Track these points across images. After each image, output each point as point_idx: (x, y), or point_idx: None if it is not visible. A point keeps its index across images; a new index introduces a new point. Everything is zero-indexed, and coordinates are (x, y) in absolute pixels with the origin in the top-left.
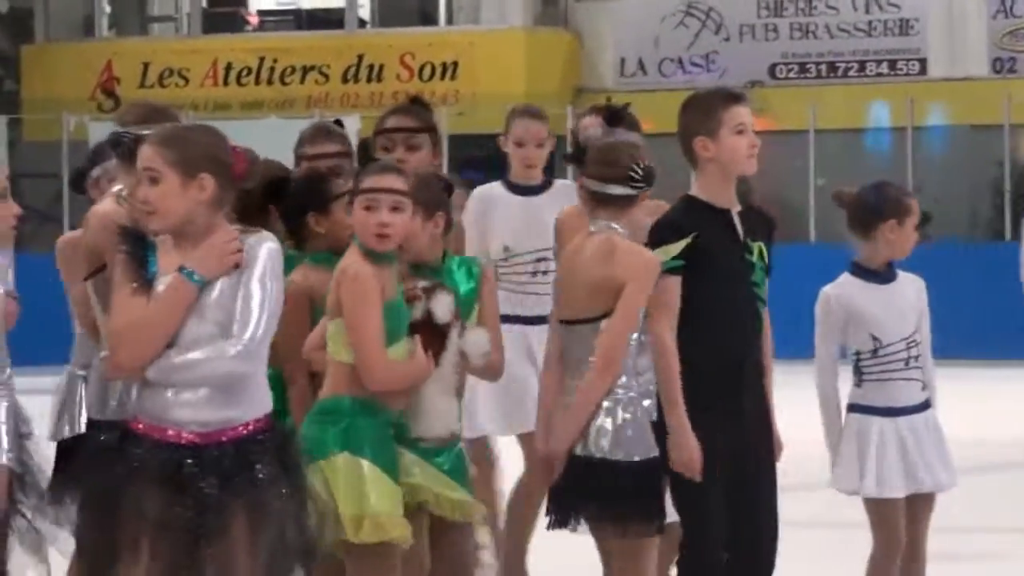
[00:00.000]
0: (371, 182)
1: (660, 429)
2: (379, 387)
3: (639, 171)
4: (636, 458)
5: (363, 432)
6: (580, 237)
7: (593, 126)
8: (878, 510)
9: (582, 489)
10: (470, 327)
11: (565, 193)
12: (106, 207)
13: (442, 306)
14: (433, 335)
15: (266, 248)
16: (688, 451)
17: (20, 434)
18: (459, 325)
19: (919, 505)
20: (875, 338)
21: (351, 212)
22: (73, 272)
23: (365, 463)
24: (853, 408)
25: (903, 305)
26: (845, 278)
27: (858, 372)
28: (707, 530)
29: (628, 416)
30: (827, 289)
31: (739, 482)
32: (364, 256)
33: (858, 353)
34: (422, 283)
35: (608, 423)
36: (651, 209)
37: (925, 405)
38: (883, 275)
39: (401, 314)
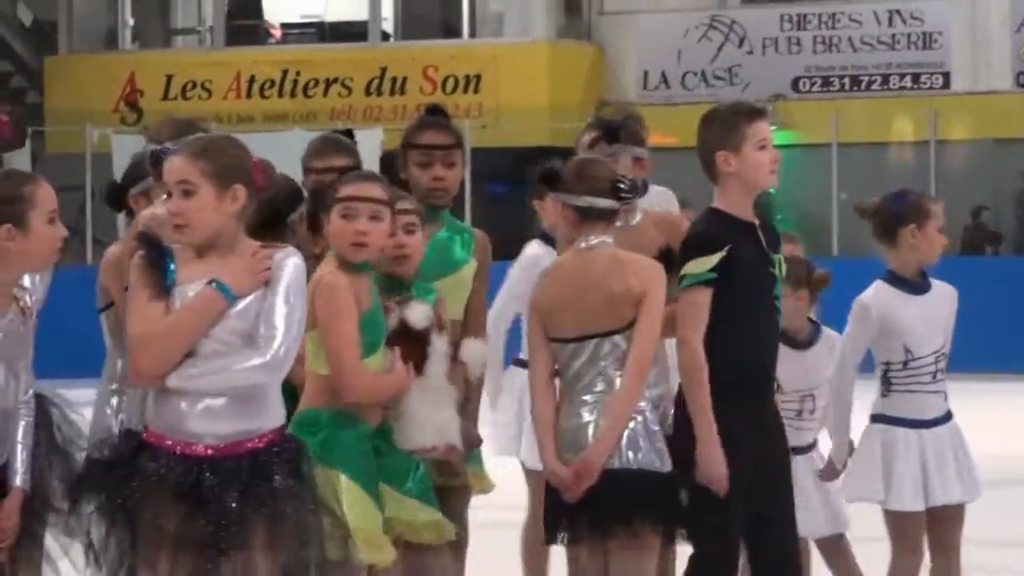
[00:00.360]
0: (350, 190)
1: (683, 440)
2: (354, 398)
3: (626, 182)
4: (666, 468)
5: (342, 445)
6: (569, 255)
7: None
8: (899, 522)
9: (620, 500)
10: (466, 339)
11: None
12: (156, 213)
13: (416, 313)
14: (412, 344)
15: (292, 263)
16: (718, 465)
17: (78, 446)
18: (444, 334)
19: (945, 517)
20: (907, 350)
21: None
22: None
23: (343, 478)
24: (878, 419)
25: (936, 318)
26: (880, 287)
27: (886, 383)
28: (723, 543)
29: (655, 427)
30: (864, 298)
31: (761, 494)
32: (339, 266)
33: (888, 363)
34: (395, 297)
35: (640, 434)
36: (659, 219)
37: (948, 416)
38: (918, 285)
39: (378, 325)
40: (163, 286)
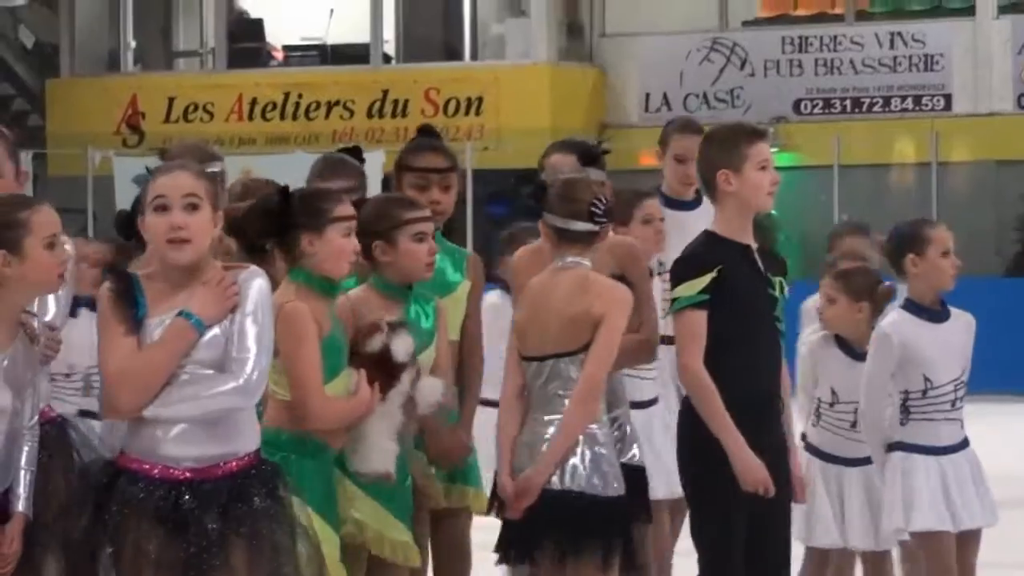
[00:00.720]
0: (350, 210)
1: (691, 461)
2: (319, 427)
3: (600, 206)
4: (611, 493)
5: (301, 471)
6: (546, 273)
7: (563, 164)
8: (928, 544)
9: (556, 522)
10: (425, 375)
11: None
12: None
13: (402, 345)
14: (384, 371)
15: (257, 284)
16: (756, 471)
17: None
18: (415, 370)
19: (964, 541)
20: (927, 379)
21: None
22: None
23: (296, 501)
24: (897, 447)
25: (955, 346)
26: (900, 315)
27: (905, 411)
28: (727, 564)
29: (604, 451)
30: (885, 326)
31: (756, 516)
32: (298, 293)
33: (906, 392)
34: (388, 318)
35: (587, 457)
36: (613, 245)
37: (965, 443)
38: (936, 313)
39: (339, 349)
40: (134, 319)
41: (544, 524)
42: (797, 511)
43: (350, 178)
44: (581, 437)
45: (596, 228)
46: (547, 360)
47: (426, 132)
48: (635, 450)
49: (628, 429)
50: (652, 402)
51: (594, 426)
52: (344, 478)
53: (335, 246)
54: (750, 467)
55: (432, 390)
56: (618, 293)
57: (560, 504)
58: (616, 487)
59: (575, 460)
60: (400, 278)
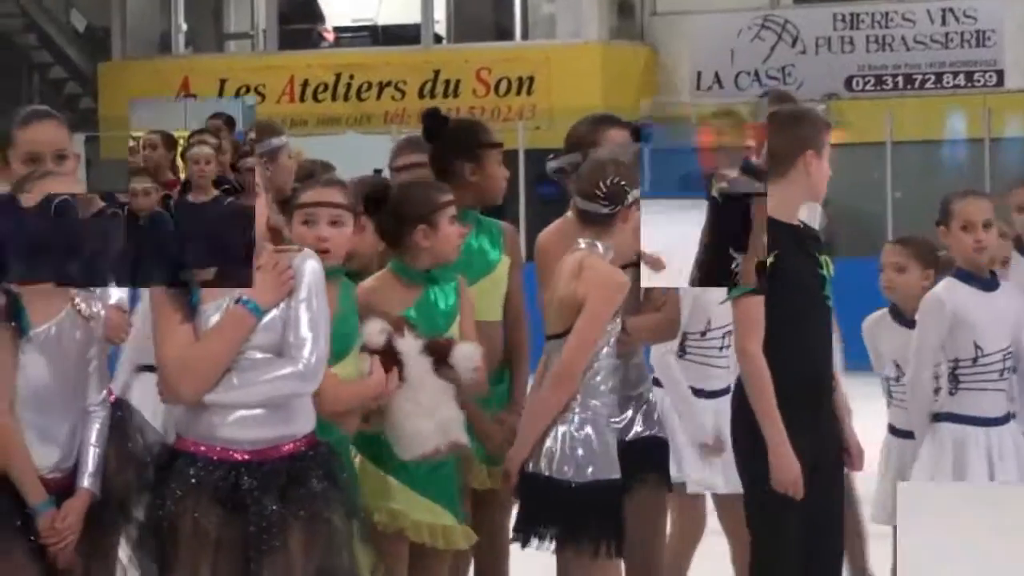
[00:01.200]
0: (310, 196)
1: (746, 447)
2: (330, 409)
3: (603, 188)
4: (582, 479)
5: None
6: (568, 254)
7: (618, 138)
8: None
9: (534, 506)
10: (460, 341)
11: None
12: None
13: (368, 333)
14: (384, 357)
15: (309, 267)
16: (790, 471)
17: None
18: (409, 335)
19: None
20: (978, 347)
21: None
22: None
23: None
24: (946, 417)
25: (1005, 315)
26: (951, 282)
27: (954, 380)
28: (783, 549)
29: (578, 435)
30: (937, 292)
31: (812, 499)
32: None
33: (956, 360)
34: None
35: (556, 441)
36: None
37: (1008, 417)
38: (985, 282)
39: (344, 334)
40: (190, 305)
41: (525, 507)
42: (872, 492)
43: (425, 154)
44: (559, 422)
45: (606, 211)
46: (550, 340)
47: (436, 114)
48: (658, 424)
49: (655, 404)
50: (724, 391)
51: (575, 409)
52: (376, 469)
53: (294, 235)
54: (787, 466)
55: (469, 356)
56: (604, 278)
57: (530, 487)
58: (594, 471)
59: (550, 444)
60: (432, 262)
